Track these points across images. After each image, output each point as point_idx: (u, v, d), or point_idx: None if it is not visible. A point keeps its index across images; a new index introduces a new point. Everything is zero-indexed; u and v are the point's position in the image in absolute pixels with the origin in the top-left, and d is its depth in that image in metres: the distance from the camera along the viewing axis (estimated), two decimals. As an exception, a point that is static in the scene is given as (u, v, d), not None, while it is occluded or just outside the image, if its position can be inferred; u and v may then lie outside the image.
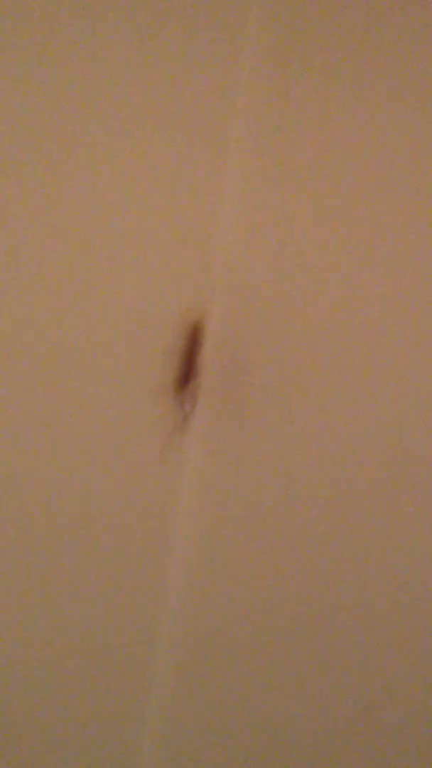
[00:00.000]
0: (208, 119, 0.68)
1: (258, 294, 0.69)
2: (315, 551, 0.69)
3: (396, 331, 0.69)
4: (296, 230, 0.69)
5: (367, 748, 0.69)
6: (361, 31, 0.68)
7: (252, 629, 0.69)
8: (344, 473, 0.69)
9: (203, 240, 0.69)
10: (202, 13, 0.67)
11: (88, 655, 0.68)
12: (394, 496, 0.69)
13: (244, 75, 0.68)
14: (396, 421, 0.69)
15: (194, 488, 0.69)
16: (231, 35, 0.68)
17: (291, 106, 0.68)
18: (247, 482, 0.69)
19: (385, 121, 0.69)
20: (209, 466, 0.69)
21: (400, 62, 0.69)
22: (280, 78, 0.68)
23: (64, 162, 0.66)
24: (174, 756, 0.70)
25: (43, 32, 0.64)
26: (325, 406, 0.69)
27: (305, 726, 0.69)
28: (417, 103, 0.69)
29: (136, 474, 0.68)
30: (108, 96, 0.66)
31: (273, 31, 0.68)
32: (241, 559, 0.69)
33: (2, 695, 0.67)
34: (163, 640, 0.69)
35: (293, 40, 0.68)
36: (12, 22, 0.64)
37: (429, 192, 0.69)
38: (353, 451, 0.69)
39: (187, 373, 0.68)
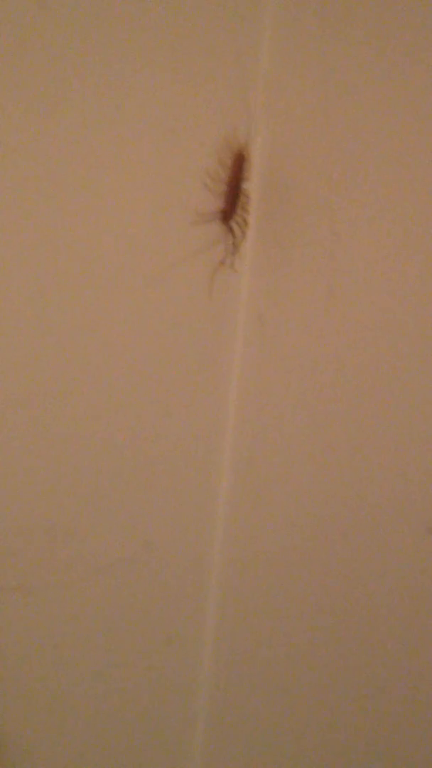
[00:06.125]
0: None
1: (302, 122, 0.66)
2: (366, 389, 0.67)
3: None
4: (340, 54, 0.66)
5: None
6: None
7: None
8: (395, 305, 0.67)
9: (243, 66, 0.66)
10: None
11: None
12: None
13: None
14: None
15: (245, 322, 0.67)
16: None
17: None
18: (296, 309, 0.67)
19: None
20: (260, 297, 0.67)
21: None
22: None
23: None
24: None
25: None
26: (376, 233, 0.67)
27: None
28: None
29: (184, 305, 0.66)
30: None
31: None
32: (294, 395, 0.68)
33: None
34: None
35: None
36: None
37: None
38: (405, 281, 0.67)
39: (233, 202, 0.65)
